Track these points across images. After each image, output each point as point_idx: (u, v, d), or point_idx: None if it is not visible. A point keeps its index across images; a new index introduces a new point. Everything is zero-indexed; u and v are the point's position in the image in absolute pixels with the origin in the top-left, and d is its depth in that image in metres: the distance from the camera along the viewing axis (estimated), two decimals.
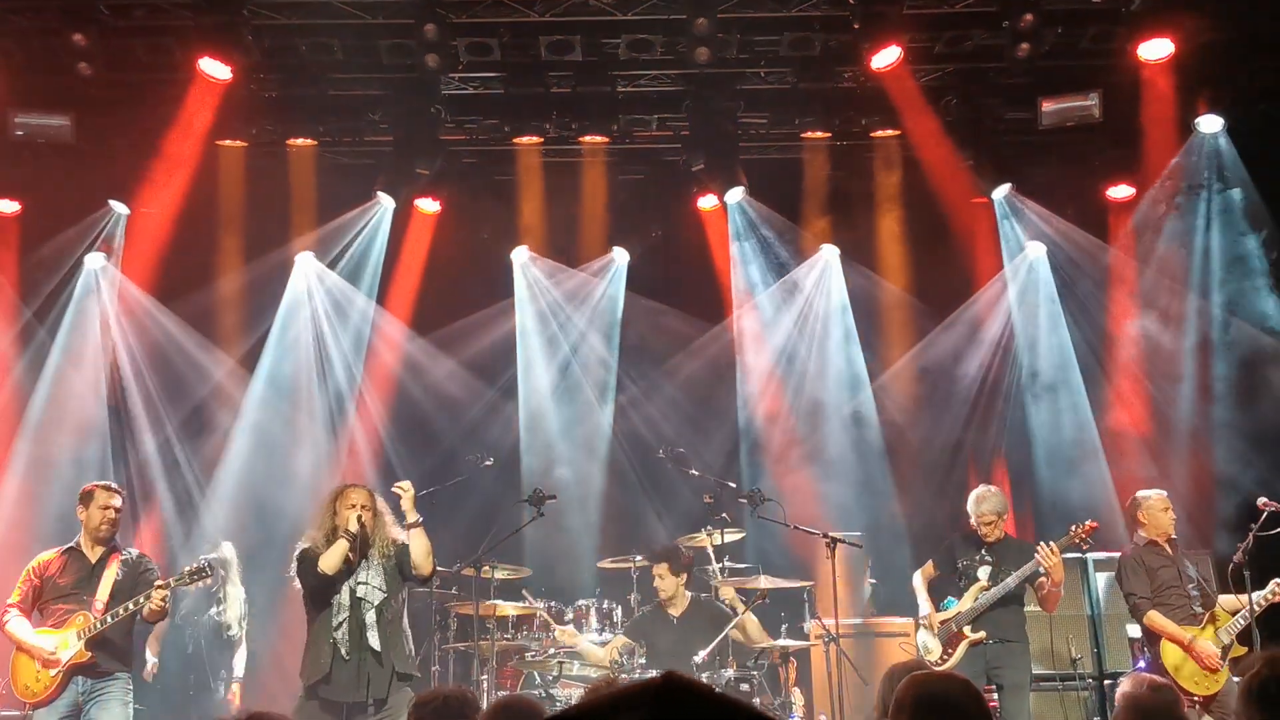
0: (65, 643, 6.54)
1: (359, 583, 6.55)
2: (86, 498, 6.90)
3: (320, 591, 6.56)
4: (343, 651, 6.43)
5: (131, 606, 6.52)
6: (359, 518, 6.50)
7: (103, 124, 9.66)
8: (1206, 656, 7.21)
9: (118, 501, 6.92)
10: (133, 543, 7.88)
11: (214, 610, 8.43)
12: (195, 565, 6.75)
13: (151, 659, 8.32)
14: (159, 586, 6.50)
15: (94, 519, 6.81)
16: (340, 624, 6.49)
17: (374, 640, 6.44)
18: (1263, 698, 2.89)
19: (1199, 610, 7.43)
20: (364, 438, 10.85)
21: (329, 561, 6.47)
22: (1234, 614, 7.32)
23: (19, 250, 10.37)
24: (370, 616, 6.51)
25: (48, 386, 10.22)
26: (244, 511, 9.96)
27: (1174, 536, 7.66)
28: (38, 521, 9.57)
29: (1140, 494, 7.82)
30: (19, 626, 6.67)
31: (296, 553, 6.68)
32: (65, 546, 6.93)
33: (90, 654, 6.54)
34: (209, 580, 7.05)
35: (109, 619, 6.54)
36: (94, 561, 6.80)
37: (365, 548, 6.58)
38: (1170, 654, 7.32)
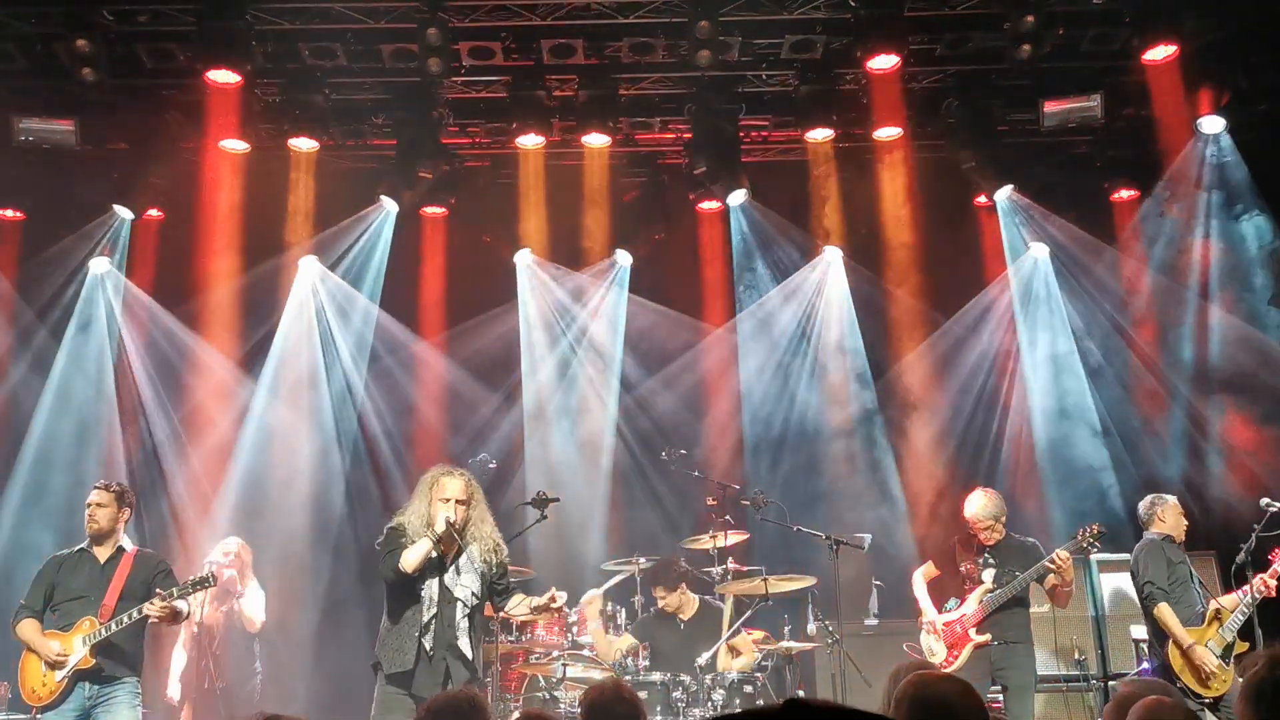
0: (71, 647, 6.54)
1: (457, 582, 6.23)
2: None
3: (403, 582, 6.22)
4: (427, 648, 6.13)
5: (135, 614, 6.50)
6: (448, 517, 6.13)
7: (106, 129, 9.69)
8: (1202, 663, 7.21)
9: (96, 497, 6.85)
10: (143, 544, 7.87)
11: (225, 606, 8.41)
12: (198, 575, 6.69)
13: (176, 687, 8.32)
14: (157, 596, 6.47)
15: (87, 520, 6.84)
16: (429, 621, 6.17)
17: (464, 645, 6.19)
18: (1260, 698, 2.90)
19: (1202, 609, 7.45)
20: (367, 441, 10.87)
21: (410, 561, 6.11)
22: (1234, 610, 7.35)
23: (23, 255, 10.40)
24: (464, 621, 6.23)
25: (53, 390, 10.25)
26: (250, 513, 9.98)
27: (1183, 540, 7.71)
28: (43, 522, 9.61)
29: (1158, 495, 7.92)
30: (29, 628, 6.66)
31: (386, 527, 6.38)
32: (77, 547, 6.92)
33: (95, 660, 6.53)
34: (211, 589, 6.93)
35: (113, 625, 6.52)
36: (103, 562, 6.77)
37: (463, 544, 6.27)
38: (1176, 654, 7.33)
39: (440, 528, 6.12)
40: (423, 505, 6.29)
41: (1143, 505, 7.86)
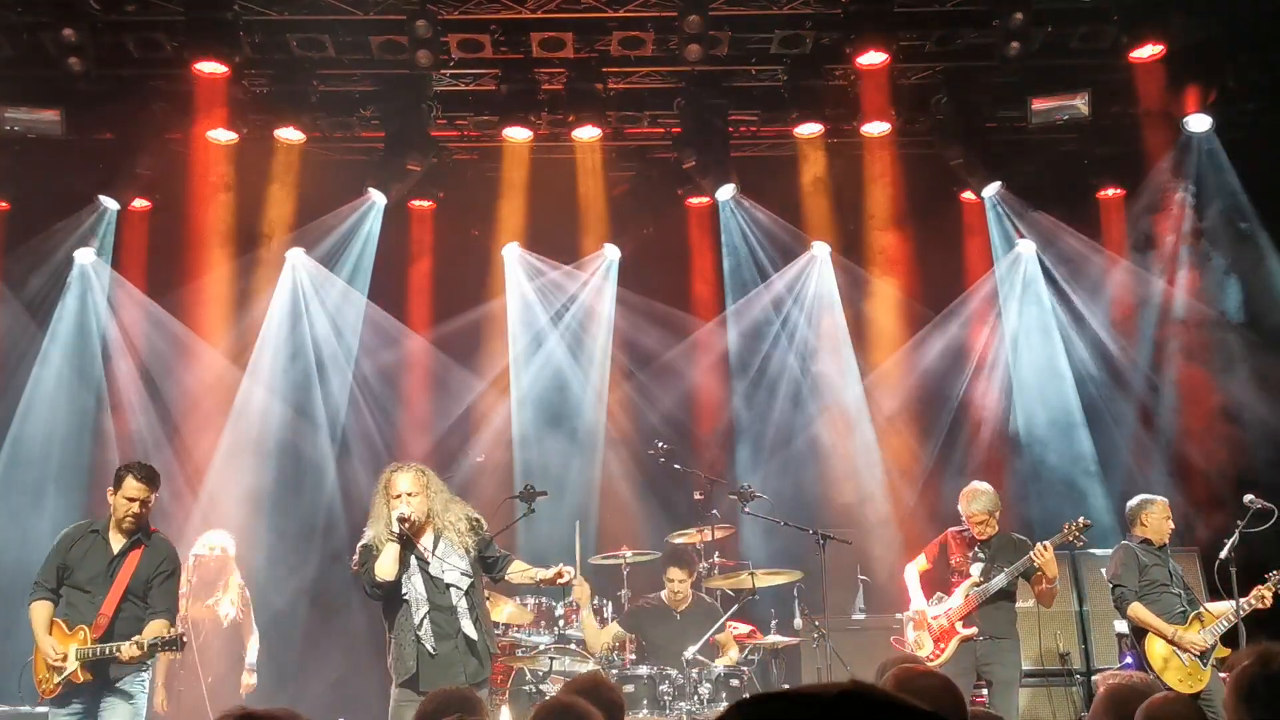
0: (67, 655, 6.34)
1: (444, 569, 6.17)
2: (118, 480, 6.50)
3: (388, 591, 6.18)
4: (429, 647, 6.09)
5: (115, 651, 6.24)
6: (400, 514, 6.10)
7: (92, 119, 9.62)
8: (1191, 644, 7.26)
9: (145, 495, 6.46)
10: None
11: (211, 600, 8.39)
12: (170, 635, 6.29)
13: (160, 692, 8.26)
14: (133, 643, 6.22)
15: (119, 509, 6.46)
16: (423, 618, 6.13)
17: (469, 628, 6.13)
18: (1251, 695, 2.91)
19: (1185, 609, 7.49)
20: (356, 433, 10.85)
21: (383, 569, 6.09)
22: (1220, 616, 7.38)
23: (8, 245, 10.35)
24: (462, 603, 6.17)
25: (38, 381, 10.20)
26: (237, 505, 9.95)
27: (1167, 543, 7.72)
28: (30, 511, 9.57)
29: (1146, 497, 7.88)
30: (40, 612, 6.43)
31: (359, 546, 6.34)
32: (92, 527, 6.61)
33: (86, 675, 6.33)
34: (180, 652, 6.45)
35: (99, 650, 6.28)
36: (115, 553, 6.48)
37: (436, 533, 6.24)
38: (1155, 651, 7.36)
39: (395, 527, 6.10)
40: (383, 510, 6.26)
41: (1130, 505, 7.89)
